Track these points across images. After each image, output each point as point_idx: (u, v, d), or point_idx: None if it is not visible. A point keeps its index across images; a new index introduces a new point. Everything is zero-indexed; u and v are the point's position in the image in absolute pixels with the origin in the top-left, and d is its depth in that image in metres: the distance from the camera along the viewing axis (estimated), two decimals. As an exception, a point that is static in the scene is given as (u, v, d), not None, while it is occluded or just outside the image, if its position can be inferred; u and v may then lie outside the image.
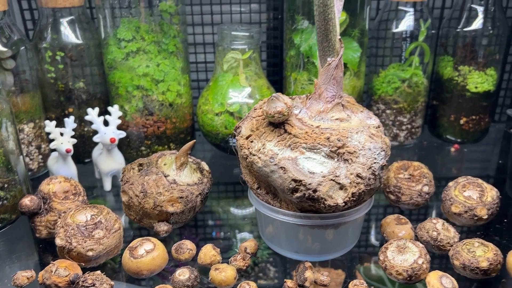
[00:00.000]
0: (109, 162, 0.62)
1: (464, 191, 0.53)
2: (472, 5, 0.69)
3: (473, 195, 0.52)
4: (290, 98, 0.47)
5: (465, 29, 0.70)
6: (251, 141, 0.46)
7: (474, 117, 0.73)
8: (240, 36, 0.67)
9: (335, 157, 0.43)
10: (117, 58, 0.65)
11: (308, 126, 0.45)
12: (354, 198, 0.43)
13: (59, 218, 0.50)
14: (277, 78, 0.79)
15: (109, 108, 0.62)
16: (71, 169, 0.60)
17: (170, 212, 0.50)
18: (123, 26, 0.64)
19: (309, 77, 0.67)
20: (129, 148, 0.69)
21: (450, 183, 0.55)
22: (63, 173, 0.60)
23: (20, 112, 0.64)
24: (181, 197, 0.50)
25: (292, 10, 0.65)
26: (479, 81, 0.72)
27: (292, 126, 0.45)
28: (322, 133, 0.44)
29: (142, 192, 0.50)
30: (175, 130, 0.69)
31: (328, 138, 0.43)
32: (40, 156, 0.67)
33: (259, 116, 0.47)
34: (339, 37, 0.44)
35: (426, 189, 0.55)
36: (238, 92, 0.67)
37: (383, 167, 0.45)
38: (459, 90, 0.72)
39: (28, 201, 0.50)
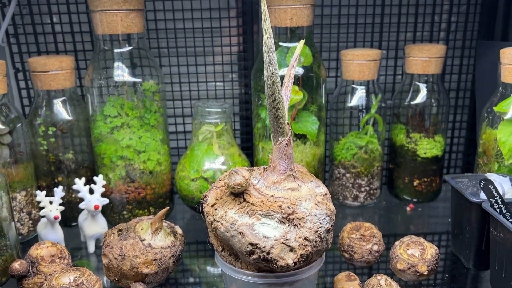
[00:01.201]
0: (93, 227, 0.68)
1: (408, 249, 0.60)
2: (417, 83, 0.80)
3: (415, 253, 0.59)
4: (249, 170, 0.55)
5: (412, 102, 0.80)
6: (216, 209, 0.53)
7: (425, 179, 0.82)
8: (213, 112, 0.76)
9: (286, 222, 0.50)
10: (103, 132, 0.73)
11: (264, 195, 0.52)
12: (303, 259, 0.50)
13: (45, 280, 0.56)
14: (249, 145, 0.88)
15: (95, 178, 0.69)
16: (58, 234, 0.67)
17: (145, 273, 0.56)
18: (109, 104, 0.72)
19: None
20: (112, 212, 0.76)
21: (396, 242, 0.62)
22: (51, 237, 0.66)
23: (14, 182, 0.71)
24: (155, 259, 0.57)
25: (257, 89, 0.75)
26: (428, 147, 0.81)
27: (250, 196, 0.52)
28: (275, 201, 0.51)
29: (120, 255, 0.57)
30: (155, 195, 0.76)
31: (280, 206, 0.51)
32: (30, 222, 0.73)
33: (223, 186, 0.54)
34: (287, 121, 0.53)
35: (375, 247, 0.62)
36: (212, 160, 0.75)
37: (328, 231, 0.52)
38: (410, 155, 0.81)
39: (17, 265, 0.56)
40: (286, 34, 0.72)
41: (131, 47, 0.71)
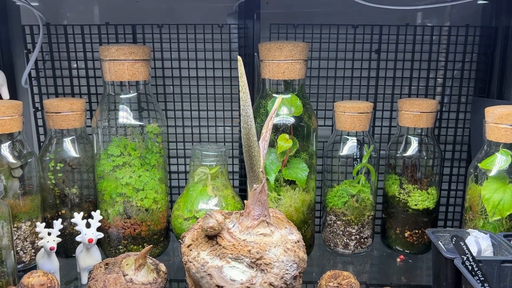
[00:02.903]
0: (87, 259, 0.72)
1: (382, 301, 0.60)
2: (409, 136, 0.82)
3: (389, 305, 0.60)
4: (225, 214, 0.58)
5: (404, 154, 0.82)
6: (190, 250, 0.56)
7: (416, 231, 0.82)
8: (209, 155, 0.80)
9: (254, 267, 0.53)
10: (106, 170, 0.78)
11: (236, 239, 0.55)
12: (267, 303, 0.52)
13: (33, 307, 0.59)
14: (246, 187, 0.91)
15: (92, 213, 0.74)
16: (54, 264, 0.71)
17: (124, 307, 0.59)
18: (114, 144, 0.78)
19: (265, 191, 0.78)
20: (109, 246, 0.80)
21: (372, 293, 0.62)
22: (47, 267, 0.70)
23: (20, 212, 0.76)
24: (134, 294, 0.60)
25: (251, 135, 0.79)
26: (420, 199, 0.81)
27: (223, 239, 0.55)
28: (246, 245, 0.54)
29: (103, 288, 0.60)
30: (149, 232, 0.80)
31: (249, 251, 0.53)
32: (33, 251, 0.78)
33: (199, 228, 0.58)
34: (261, 169, 0.56)
35: (352, 297, 0.63)
36: (206, 201, 0.79)
37: (295, 277, 0.54)
38: (402, 206, 0.82)
39: (9, 292, 0.60)
40: (280, 85, 0.76)
41: (136, 93, 0.77)
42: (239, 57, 0.52)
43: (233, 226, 0.57)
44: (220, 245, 0.54)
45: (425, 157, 0.81)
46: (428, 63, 0.87)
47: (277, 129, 0.75)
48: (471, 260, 0.56)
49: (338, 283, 0.65)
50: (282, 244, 0.55)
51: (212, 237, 0.56)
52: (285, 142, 0.75)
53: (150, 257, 0.67)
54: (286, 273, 0.53)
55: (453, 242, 0.57)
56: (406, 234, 0.83)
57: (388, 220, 0.85)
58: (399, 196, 0.82)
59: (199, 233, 0.57)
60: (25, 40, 0.85)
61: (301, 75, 0.76)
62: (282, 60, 0.73)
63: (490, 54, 0.85)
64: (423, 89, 0.88)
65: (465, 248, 0.56)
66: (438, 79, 0.88)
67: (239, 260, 0.53)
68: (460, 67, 0.87)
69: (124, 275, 0.61)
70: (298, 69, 0.75)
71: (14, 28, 0.86)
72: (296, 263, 0.54)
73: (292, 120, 0.76)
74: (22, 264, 0.77)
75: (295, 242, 0.56)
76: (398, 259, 0.82)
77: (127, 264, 0.63)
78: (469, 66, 0.86)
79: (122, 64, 0.74)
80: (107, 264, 0.64)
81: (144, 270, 0.63)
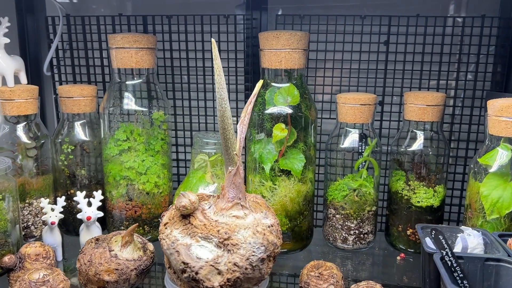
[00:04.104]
0: (87, 236, 0.76)
1: (360, 293, 0.59)
2: (414, 130, 0.79)
3: (366, 298, 0.58)
4: (201, 195, 0.59)
5: (408, 149, 0.79)
6: (166, 228, 0.58)
7: (419, 229, 0.79)
8: (210, 143, 0.81)
9: (222, 247, 0.53)
10: (112, 154, 0.82)
11: (208, 219, 0.56)
12: (230, 284, 0.52)
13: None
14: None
15: (94, 193, 0.78)
16: (56, 238, 0.75)
17: (106, 280, 0.62)
18: (121, 129, 0.81)
19: (260, 180, 0.78)
20: (112, 226, 0.84)
21: (352, 286, 0.61)
22: (49, 241, 0.75)
23: (32, 190, 0.82)
24: (116, 269, 0.62)
25: (249, 124, 0.79)
26: (425, 196, 0.78)
27: (195, 219, 0.56)
28: (216, 226, 0.55)
29: (89, 261, 0.63)
30: (150, 215, 0.83)
31: (218, 231, 0.54)
32: (43, 226, 0.83)
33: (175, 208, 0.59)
34: (235, 152, 0.56)
35: (331, 288, 0.62)
36: (204, 187, 0.80)
37: (263, 260, 0.54)
38: (404, 203, 0.79)
39: (7, 259, 0.65)
40: (280, 75, 0.76)
41: (141, 80, 0.80)
42: (212, 40, 0.53)
43: (209, 207, 0.58)
44: (192, 224, 0.56)
45: (431, 153, 0.78)
46: (440, 56, 0.83)
47: (274, 119, 0.75)
48: (450, 256, 0.53)
49: (320, 273, 0.64)
50: (253, 227, 0.55)
51: (186, 216, 0.57)
52: (280, 131, 0.75)
53: (140, 236, 0.69)
54: (252, 255, 0.53)
55: (432, 236, 0.54)
56: (408, 232, 0.80)
57: (391, 217, 0.82)
58: (402, 192, 0.79)
59: (176, 212, 0.59)
60: (48, 30, 0.91)
61: (300, 65, 0.75)
62: (280, 49, 0.73)
63: (508, 46, 0.80)
64: (434, 83, 0.85)
65: (444, 243, 0.53)
66: (451, 72, 0.84)
67: (208, 240, 0.54)
68: (475, 60, 0.82)
69: (110, 251, 0.64)
70: (296, 58, 0.74)
71: (40, 19, 0.92)
72: (264, 245, 0.54)
73: (289, 110, 0.75)
74: (33, 238, 0.82)
75: (268, 226, 0.56)
76: (399, 258, 0.80)
77: (115, 241, 0.66)
78: (485, 59, 0.82)
79: (127, 51, 0.77)
80: (97, 239, 0.68)
81: (130, 247, 0.65)
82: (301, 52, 0.75)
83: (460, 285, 0.52)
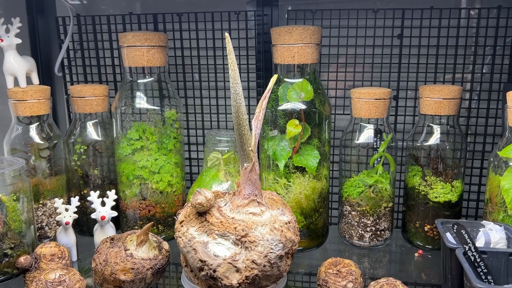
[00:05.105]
0: (101, 236, 0.76)
1: (380, 290, 0.58)
2: (430, 124, 0.77)
3: (387, 294, 0.57)
4: (217, 193, 0.58)
5: (424, 143, 0.78)
6: (182, 226, 0.57)
7: (437, 225, 0.77)
8: (222, 140, 0.81)
9: (239, 244, 0.53)
10: (125, 153, 0.81)
11: (224, 216, 0.55)
12: (248, 281, 0.51)
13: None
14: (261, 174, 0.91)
15: (108, 192, 0.77)
16: (70, 238, 0.75)
17: (122, 279, 0.61)
18: (134, 128, 0.81)
19: (274, 177, 0.77)
20: (126, 226, 0.83)
21: (372, 282, 0.60)
22: (64, 241, 0.74)
23: (46, 190, 0.81)
24: (132, 268, 0.62)
25: (263, 122, 0.78)
26: (442, 191, 0.77)
27: (212, 216, 0.55)
28: (233, 223, 0.54)
29: (105, 260, 0.63)
30: (164, 214, 0.82)
31: (235, 228, 0.53)
32: (58, 227, 0.83)
33: (191, 205, 0.58)
34: (251, 148, 0.56)
35: (350, 285, 0.61)
36: (218, 185, 0.80)
37: (281, 257, 0.53)
38: (421, 199, 0.78)
39: (23, 259, 0.65)
40: (292, 71, 0.75)
41: (152, 79, 0.80)
42: (226, 34, 0.53)
43: (225, 204, 0.57)
44: (209, 221, 0.55)
45: (448, 147, 0.76)
46: (455, 49, 0.82)
47: (288, 115, 0.74)
48: (474, 251, 0.52)
49: (338, 270, 0.63)
50: (270, 224, 0.54)
51: (202, 214, 0.56)
52: (294, 127, 0.74)
53: (155, 235, 0.69)
54: (270, 252, 0.52)
55: (454, 231, 0.53)
56: (426, 228, 0.78)
57: (408, 213, 0.81)
58: (419, 187, 0.78)
59: (191, 210, 0.58)
60: (59, 30, 0.91)
61: (313, 60, 0.74)
62: (292, 44, 0.73)
63: (526, 37, 0.78)
64: (450, 77, 0.83)
65: (466, 237, 0.52)
66: (467, 65, 0.82)
67: (225, 237, 0.53)
68: (491, 52, 0.81)
69: (125, 250, 0.63)
70: (309, 53, 0.73)
71: (50, 20, 0.92)
72: (282, 242, 0.53)
73: (302, 106, 0.74)
74: (48, 239, 0.82)
75: (285, 223, 0.55)
76: (416, 254, 0.78)
77: (130, 240, 0.65)
78: (501, 51, 0.80)
79: (139, 50, 0.77)
80: (112, 239, 0.67)
81: (145, 246, 0.64)
82: (314, 47, 0.74)
83: (484, 280, 0.51)
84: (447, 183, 0.77)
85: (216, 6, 0.88)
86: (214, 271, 0.51)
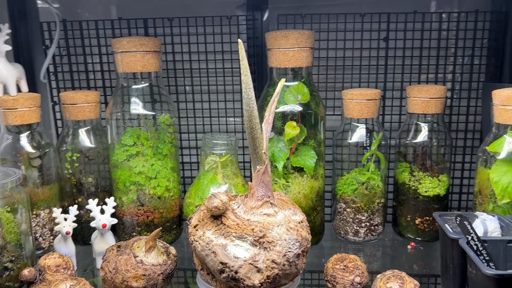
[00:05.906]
0: (101, 244, 0.75)
1: (388, 282, 0.61)
2: (418, 122, 0.81)
3: (394, 286, 0.60)
4: (228, 196, 0.59)
5: (413, 141, 0.82)
6: (196, 230, 0.58)
7: (427, 218, 0.81)
8: (219, 143, 0.82)
9: (257, 245, 0.54)
10: (120, 159, 0.81)
11: (240, 219, 0.56)
12: (270, 280, 0.53)
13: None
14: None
15: (106, 200, 0.76)
16: (70, 248, 0.74)
17: (134, 286, 0.61)
18: (128, 134, 0.80)
19: (273, 178, 0.79)
20: (123, 233, 0.83)
21: (378, 275, 0.63)
22: (63, 251, 0.73)
23: (39, 200, 0.79)
24: (144, 275, 0.62)
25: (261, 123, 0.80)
26: (431, 186, 0.81)
27: (227, 219, 0.56)
28: (249, 224, 0.55)
29: (114, 269, 0.62)
30: (162, 219, 0.82)
31: (253, 229, 0.55)
32: (51, 237, 0.81)
33: (205, 209, 0.59)
34: (264, 150, 0.57)
35: (358, 279, 0.64)
36: (216, 188, 0.80)
37: (298, 256, 0.55)
38: (412, 194, 0.82)
39: (26, 272, 0.63)
40: (288, 74, 0.77)
41: (147, 84, 0.80)
42: (239, 40, 0.54)
43: (238, 207, 0.58)
44: (225, 224, 0.56)
45: (435, 144, 0.81)
46: (438, 51, 0.86)
47: (285, 117, 0.76)
48: (476, 240, 0.56)
49: (345, 266, 0.65)
50: (285, 224, 0.56)
51: (217, 217, 0.57)
52: (292, 129, 0.76)
53: (161, 241, 0.69)
54: (289, 251, 0.54)
55: (458, 222, 0.57)
56: (417, 221, 0.82)
57: (399, 207, 0.85)
58: (409, 183, 0.82)
59: (205, 214, 0.59)
60: (43, 36, 0.89)
61: (308, 63, 0.77)
62: (288, 48, 0.75)
63: (502, 39, 0.84)
64: (433, 77, 0.88)
65: (469, 228, 0.56)
66: (448, 66, 0.87)
67: (243, 239, 0.54)
68: (470, 53, 0.86)
69: (135, 257, 0.63)
70: (304, 57, 0.76)
71: (33, 25, 0.90)
72: (298, 241, 0.55)
73: (299, 108, 0.77)
74: (42, 250, 0.80)
75: (299, 222, 0.57)
76: (409, 246, 0.82)
77: (138, 247, 0.65)
78: (479, 52, 0.86)
79: (134, 55, 0.77)
80: (119, 246, 0.67)
81: (154, 252, 0.65)
82: (309, 51, 0.76)
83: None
84: (434, 177, 0.81)
85: (206, 10, 0.89)
86: (236, 272, 0.52)
